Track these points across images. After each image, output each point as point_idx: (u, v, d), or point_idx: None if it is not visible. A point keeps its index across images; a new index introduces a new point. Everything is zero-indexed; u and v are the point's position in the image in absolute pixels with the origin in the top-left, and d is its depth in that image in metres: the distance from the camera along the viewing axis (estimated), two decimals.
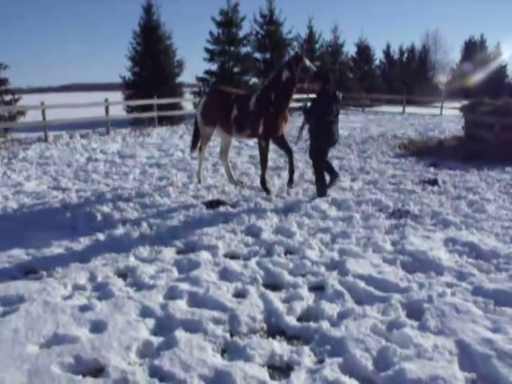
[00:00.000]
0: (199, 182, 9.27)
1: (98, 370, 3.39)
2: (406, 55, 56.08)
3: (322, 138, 7.71)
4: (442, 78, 60.72)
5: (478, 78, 45.07)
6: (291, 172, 8.45)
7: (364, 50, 46.28)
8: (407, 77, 49.46)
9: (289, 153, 8.40)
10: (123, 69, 25.97)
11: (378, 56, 51.24)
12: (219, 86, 10.47)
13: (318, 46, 38.21)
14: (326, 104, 7.58)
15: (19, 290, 4.59)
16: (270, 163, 11.19)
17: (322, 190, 7.96)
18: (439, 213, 7.13)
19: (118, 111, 23.72)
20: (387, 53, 52.77)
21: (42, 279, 4.89)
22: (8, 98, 20.08)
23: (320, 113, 7.58)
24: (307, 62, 7.62)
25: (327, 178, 8.15)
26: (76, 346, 3.61)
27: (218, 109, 8.44)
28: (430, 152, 13.21)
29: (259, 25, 32.71)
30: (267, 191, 8.29)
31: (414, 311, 4.18)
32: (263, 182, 8.40)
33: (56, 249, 5.73)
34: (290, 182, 8.50)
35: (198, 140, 9.33)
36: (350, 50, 67.04)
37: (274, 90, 7.86)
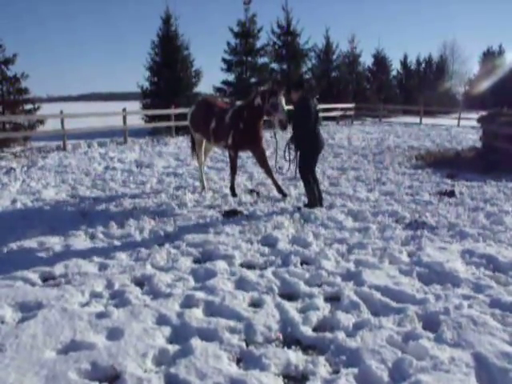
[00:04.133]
0: (203, 188, 9.62)
1: (114, 377, 3.42)
2: (423, 66, 55.91)
3: (311, 144, 7.81)
4: (460, 89, 60.37)
5: (496, 88, 44.58)
6: (276, 185, 8.94)
7: (381, 61, 46.20)
8: (424, 87, 49.25)
9: (266, 167, 8.92)
10: (141, 78, 26.30)
11: (395, 66, 51.09)
12: (205, 98, 11.06)
13: (335, 56, 38.23)
14: (307, 110, 7.72)
15: (38, 296, 4.65)
16: (287, 174, 11.22)
17: (311, 200, 8.02)
18: (456, 224, 7.09)
19: (136, 120, 23.90)
20: (404, 63, 52.64)
21: (60, 286, 4.95)
22: (28, 106, 20.35)
23: (303, 119, 7.73)
24: (278, 99, 7.93)
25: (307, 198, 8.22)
26: (93, 353, 3.64)
27: (202, 119, 9.16)
28: (447, 163, 13.14)
29: (276, 35, 32.85)
30: (235, 195, 8.94)
31: (431, 323, 4.15)
32: (232, 187, 9.03)
33: (74, 256, 5.79)
34: (280, 192, 8.90)
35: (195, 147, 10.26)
36: (367, 60, 66.99)
37: (247, 110, 8.53)
